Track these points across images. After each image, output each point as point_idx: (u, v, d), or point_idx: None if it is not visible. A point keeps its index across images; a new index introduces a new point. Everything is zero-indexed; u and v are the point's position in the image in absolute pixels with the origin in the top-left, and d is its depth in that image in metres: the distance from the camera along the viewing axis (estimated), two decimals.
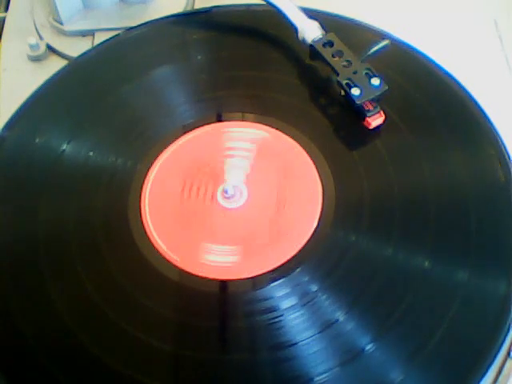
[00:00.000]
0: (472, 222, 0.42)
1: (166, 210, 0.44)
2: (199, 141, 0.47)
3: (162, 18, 0.55)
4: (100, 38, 0.57)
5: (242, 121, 0.48)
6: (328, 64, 0.47)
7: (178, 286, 0.41)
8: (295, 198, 0.44)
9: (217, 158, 0.46)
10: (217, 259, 0.42)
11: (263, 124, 0.47)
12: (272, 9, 0.50)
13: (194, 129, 0.47)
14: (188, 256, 0.42)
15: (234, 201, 0.44)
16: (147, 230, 0.43)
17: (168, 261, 0.42)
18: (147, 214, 0.44)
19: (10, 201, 0.46)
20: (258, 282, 0.41)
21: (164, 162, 0.46)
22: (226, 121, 0.48)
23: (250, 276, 0.41)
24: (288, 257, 0.41)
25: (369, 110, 0.45)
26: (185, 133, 0.47)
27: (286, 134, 0.47)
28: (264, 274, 0.41)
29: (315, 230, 0.42)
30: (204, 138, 0.47)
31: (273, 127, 0.47)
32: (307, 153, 0.46)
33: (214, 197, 0.44)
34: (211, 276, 0.41)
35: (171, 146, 0.47)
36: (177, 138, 0.47)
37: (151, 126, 0.48)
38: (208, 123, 0.48)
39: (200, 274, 0.41)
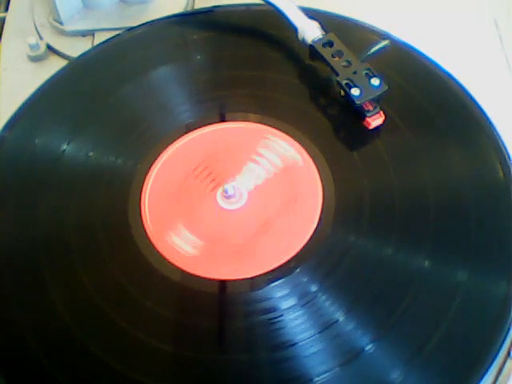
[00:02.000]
0: (472, 222, 0.42)
1: (166, 210, 0.44)
2: (199, 141, 0.47)
3: (162, 18, 0.55)
4: (100, 38, 0.57)
5: (242, 121, 0.48)
6: (328, 64, 0.47)
7: (178, 286, 0.41)
8: (295, 198, 0.44)
9: (219, 159, 0.46)
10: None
11: (263, 124, 0.47)
12: (272, 9, 0.50)
13: (193, 129, 0.47)
14: (186, 255, 0.42)
15: (233, 201, 0.44)
16: (147, 230, 0.43)
17: (168, 261, 0.42)
18: (147, 214, 0.44)
19: (10, 201, 0.46)
20: (258, 282, 0.41)
21: (164, 162, 0.46)
22: (226, 121, 0.48)
23: (249, 276, 0.41)
24: (288, 257, 0.41)
25: (368, 111, 0.45)
26: (185, 133, 0.47)
27: (286, 134, 0.47)
28: (264, 274, 0.41)
29: (315, 230, 0.42)
30: (204, 139, 0.47)
31: (272, 127, 0.47)
32: (307, 153, 0.46)
33: (214, 197, 0.44)
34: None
35: (171, 146, 0.47)
36: (177, 138, 0.47)
37: (151, 126, 0.48)
38: (207, 123, 0.48)
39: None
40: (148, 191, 0.45)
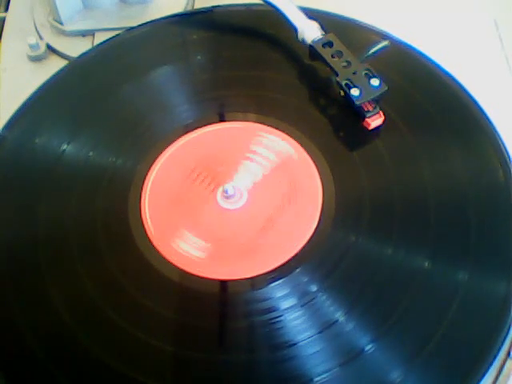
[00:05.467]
0: (472, 222, 0.42)
1: (166, 210, 0.44)
2: (199, 141, 0.47)
3: (162, 18, 0.55)
4: (100, 38, 0.57)
5: (242, 121, 0.48)
6: (327, 64, 0.47)
7: (178, 286, 0.41)
8: (295, 198, 0.44)
9: (218, 159, 0.46)
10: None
11: (263, 124, 0.47)
12: (272, 9, 0.50)
13: (193, 129, 0.47)
14: (186, 254, 0.42)
15: (233, 201, 0.44)
16: (147, 230, 0.43)
17: (168, 261, 0.42)
18: (147, 214, 0.44)
19: (10, 201, 0.46)
20: (258, 282, 0.41)
21: (164, 162, 0.46)
22: (225, 121, 0.48)
23: (250, 276, 0.41)
24: (288, 257, 0.41)
25: (368, 111, 0.45)
26: (184, 133, 0.47)
27: (286, 133, 0.47)
28: (264, 274, 0.41)
29: (315, 230, 0.42)
30: (204, 139, 0.47)
31: (272, 127, 0.47)
32: (307, 153, 0.46)
33: (214, 197, 0.44)
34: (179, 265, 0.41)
35: (171, 146, 0.47)
36: (177, 138, 0.47)
37: (151, 126, 0.48)
38: (207, 123, 0.48)
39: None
40: (148, 191, 0.45)
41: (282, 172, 0.45)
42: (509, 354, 0.40)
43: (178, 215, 0.44)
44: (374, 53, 0.47)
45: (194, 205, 0.44)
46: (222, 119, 0.48)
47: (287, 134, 0.47)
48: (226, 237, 0.43)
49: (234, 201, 0.44)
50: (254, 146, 0.46)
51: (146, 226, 0.43)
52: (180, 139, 0.47)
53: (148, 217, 0.44)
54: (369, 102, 0.45)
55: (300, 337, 0.38)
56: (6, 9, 0.63)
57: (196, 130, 0.47)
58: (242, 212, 0.44)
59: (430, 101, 0.48)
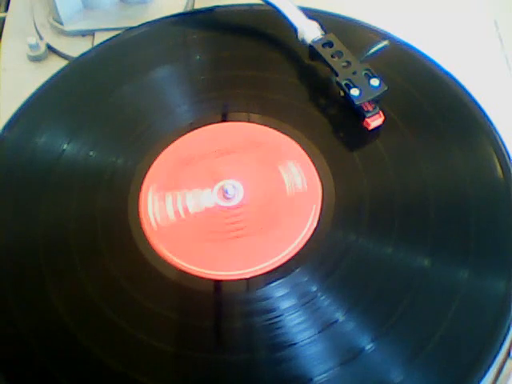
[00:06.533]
0: (472, 222, 0.42)
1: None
2: (199, 141, 0.47)
3: (162, 18, 0.55)
4: (100, 38, 0.57)
5: (242, 121, 0.48)
6: (327, 64, 0.47)
7: (178, 286, 0.41)
8: (295, 198, 0.44)
9: (217, 158, 0.46)
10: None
11: (263, 124, 0.47)
12: (272, 9, 0.50)
13: (193, 129, 0.47)
14: (186, 255, 0.42)
15: (232, 201, 0.44)
16: (147, 230, 0.43)
17: (167, 261, 0.42)
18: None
19: (10, 201, 0.46)
20: (258, 282, 0.41)
21: (164, 162, 0.46)
22: (225, 121, 0.48)
23: (249, 276, 0.41)
24: (288, 257, 0.41)
25: (368, 111, 0.45)
26: (185, 133, 0.47)
27: (286, 134, 0.47)
28: (264, 274, 0.41)
29: (315, 230, 0.42)
30: (204, 139, 0.47)
31: (272, 127, 0.47)
32: (307, 153, 0.46)
33: (212, 196, 0.44)
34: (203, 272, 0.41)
35: (171, 146, 0.47)
36: (176, 138, 0.47)
37: (151, 126, 0.48)
38: (207, 123, 0.48)
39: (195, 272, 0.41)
40: (147, 191, 0.45)
41: (281, 172, 0.45)
42: (509, 353, 0.40)
43: None
44: (373, 53, 0.47)
45: (194, 205, 0.44)
46: (221, 119, 0.48)
47: (287, 134, 0.47)
48: (225, 237, 0.43)
49: (232, 199, 0.44)
50: (255, 147, 0.46)
51: (145, 226, 0.43)
52: (180, 139, 0.47)
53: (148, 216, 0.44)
54: (369, 102, 0.45)
55: (300, 336, 0.38)
56: (6, 9, 0.63)
57: (196, 130, 0.47)
58: (242, 212, 0.44)
59: (430, 101, 0.48)
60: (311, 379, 0.37)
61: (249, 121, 0.48)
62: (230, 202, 0.44)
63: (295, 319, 0.39)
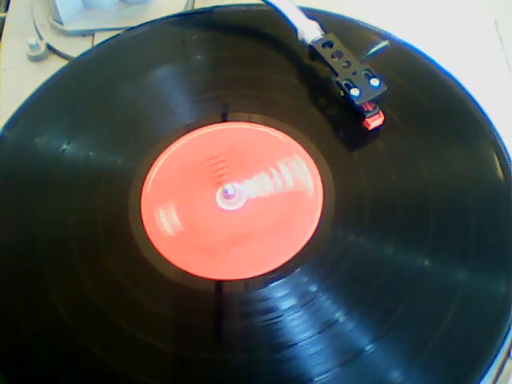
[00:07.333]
0: (472, 222, 0.42)
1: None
2: (199, 141, 0.47)
3: (162, 18, 0.55)
4: (100, 37, 0.57)
5: (242, 121, 0.48)
6: (327, 64, 0.47)
7: (179, 286, 0.41)
8: (295, 198, 0.44)
9: (218, 159, 0.46)
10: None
11: (263, 124, 0.47)
12: (272, 9, 0.50)
13: (193, 129, 0.47)
14: (187, 255, 0.42)
15: (233, 202, 0.44)
16: (147, 230, 0.43)
17: (168, 261, 0.42)
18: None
19: (10, 201, 0.46)
20: (258, 282, 0.41)
21: (164, 162, 0.46)
22: (226, 121, 0.48)
23: (249, 276, 0.41)
24: (288, 257, 0.41)
25: (368, 111, 0.45)
26: (185, 133, 0.47)
27: (286, 133, 0.47)
28: (264, 274, 0.41)
29: (315, 230, 0.42)
30: (204, 139, 0.47)
31: (272, 127, 0.47)
32: (307, 153, 0.46)
33: (213, 198, 0.44)
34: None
35: (171, 146, 0.47)
36: (177, 138, 0.47)
37: (151, 126, 0.48)
38: (207, 123, 0.48)
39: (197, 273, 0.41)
40: (148, 191, 0.45)
41: (281, 172, 0.45)
42: (509, 353, 0.40)
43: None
44: (373, 53, 0.47)
45: (194, 205, 0.44)
46: (221, 119, 0.48)
47: (287, 133, 0.47)
48: (226, 238, 0.43)
49: (233, 202, 0.44)
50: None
51: (145, 226, 0.43)
52: (180, 139, 0.47)
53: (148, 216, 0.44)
54: (369, 102, 0.45)
55: (300, 337, 0.38)
56: (6, 9, 0.63)
57: (196, 130, 0.47)
58: (242, 213, 0.44)
59: (430, 101, 0.48)
60: (311, 379, 0.37)
61: (249, 121, 0.48)
62: (230, 202, 0.44)
63: (295, 319, 0.39)
